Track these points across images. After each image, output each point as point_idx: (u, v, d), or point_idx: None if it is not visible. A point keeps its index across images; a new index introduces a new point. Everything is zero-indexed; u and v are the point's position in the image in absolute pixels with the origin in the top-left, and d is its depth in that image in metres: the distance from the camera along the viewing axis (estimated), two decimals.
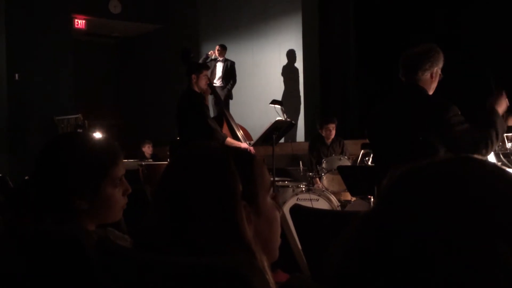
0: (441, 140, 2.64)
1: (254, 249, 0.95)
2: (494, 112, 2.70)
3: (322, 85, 8.85)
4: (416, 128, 2.69)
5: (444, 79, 2.86)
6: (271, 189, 1.06)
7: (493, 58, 6.64)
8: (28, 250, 1.41)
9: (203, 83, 5.06)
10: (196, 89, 5.04)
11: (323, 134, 6.21)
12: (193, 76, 5.01)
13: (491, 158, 3.26)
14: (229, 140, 5.08)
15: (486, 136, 2.63)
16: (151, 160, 8.73)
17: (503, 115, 2.73)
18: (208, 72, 5.35)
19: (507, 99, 2.78)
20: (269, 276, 0.94)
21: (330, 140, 6.20)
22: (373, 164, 5.07)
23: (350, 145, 6.81)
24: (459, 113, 2.67)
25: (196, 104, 4.98)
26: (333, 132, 6.19)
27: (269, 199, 1.05)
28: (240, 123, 5.88)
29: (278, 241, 1.06)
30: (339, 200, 5.43)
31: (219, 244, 0.93)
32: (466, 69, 6.35)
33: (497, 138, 2.66)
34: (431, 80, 2.79)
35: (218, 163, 1.00)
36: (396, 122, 2.79)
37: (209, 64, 7.86)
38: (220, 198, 0.97)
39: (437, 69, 2.79)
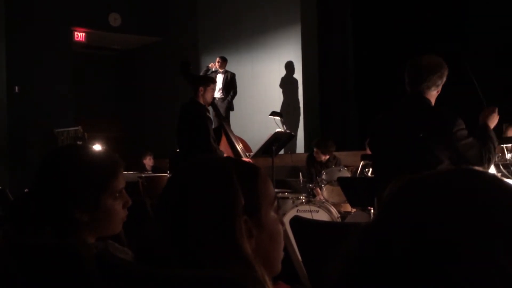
0: (445, 153, 2.65)
1: (253, 263, 0.95)
2: (488, 128, 2.80)
3: (321, 96, 8.87)
4: (419, 139, 2.69)
5: (446, 84, 2.87)
6: (275, 203, 1.06)
7: (494, 68, 6.67)
8: (27, 263, 1.40)
9: (209, 96, 5.08)
10: (201, 101, 5.04)
11: (317, 155, 6.14)
12: (201, 88, 5.01)
13: (491, 168, 3.26)
14: None
15: (488, 150, 2.70)
16: (151, 172, 8.71)
17: (505, 127, 2.79)
18: (215, 86, 5.36)
19: (497, 115, 2.87)
20: None
21: (322, 160, 6.14)
22: (373, 175, 5.07)
23: (349, 156, 6.81)
24: (464, 126, 2.69)
25: (200, 116, 4.98)
26: (324, 158, 6.11)
27: (272, 213, 1.04)
28: (239, 135, 5.88)
29: (280, 255, 1.06)
30: (339, 212, 5.42)
31: (218, 259, 0.93)
32: (467, 74, 6.36)
33: (494, 151, 2.75)
34: (435, 93, 2.81)
35: (220, 177, 1.00)
36: (400, 132, 2.79)
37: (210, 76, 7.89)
38: (220, 213, 0.96)
39: (441, 82, 2.81)
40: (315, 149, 6.11)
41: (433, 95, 2.80)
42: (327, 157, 6.08)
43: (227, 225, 0.96)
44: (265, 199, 1.02)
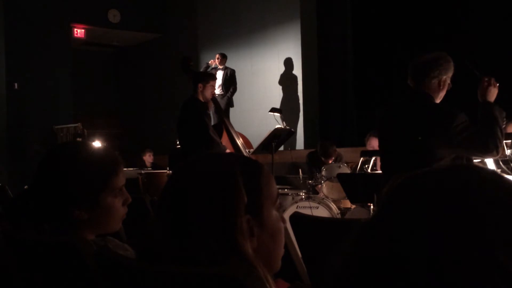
0: (450, 148, 2.63)
1: (254, 262, 0.94)
2: (489, 106, 2.68)
3: (320, 93, 8.87)
4: (421, 135, 2.68)
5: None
6: (277, 201, 1.05)
7: (493, 60, 6.66)
8: (27, 260, 1.40)
9: (208, 92, 5.07)
10: (201, 98, 5.04)
11: (323, 159, 6.15)
12: (200, 85, 5.01)
13: (491, 164, 3.26)
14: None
15: (493, 135, 2.60)
16: (150, 168, 8.72)
17: (504, 124, 2.72)
18: (215, 82, 5.35)
19: (494, 85, 2.75)
20: (271, 287, 0.93)
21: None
22: (373, 172, 5.07)
23: (349, 152, 6.81)
24: (466, 119, 2.65)
25: (199, 113, 4.98)
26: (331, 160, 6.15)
27: (274, 211, 1.03)
28: (239, 131, 5.88)
29: (281, 252, 1.05)
30: (339, 208, 5.42)
31: (218, 258, 0.92)
32: (467, 71, 6.34)
33: (502, 134, 2.63)
34: (439, 88, 2.78)
35: (223, 175, 0.99)
36: (401, 128, 2.78)
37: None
38: (222, 212, 0.95)
39: (446, 77, 2.78)
40: (322, 158, 6.11)
41: (436, 89, 2.78)
42: (333, 158, 6.11)
43: (228, 224, 0.95)
44: (268, 197, 1.01)
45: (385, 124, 2.92)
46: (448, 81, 2.80)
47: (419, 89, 2.77)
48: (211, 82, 5.12)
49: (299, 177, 6.30)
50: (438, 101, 2.81)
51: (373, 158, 5.06)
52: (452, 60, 2.81)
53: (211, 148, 4.89)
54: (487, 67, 6.74)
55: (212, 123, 5.83)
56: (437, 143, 2.64)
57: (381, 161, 3.11)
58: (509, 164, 3.29)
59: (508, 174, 3.17)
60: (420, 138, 2.65)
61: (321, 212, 5.19)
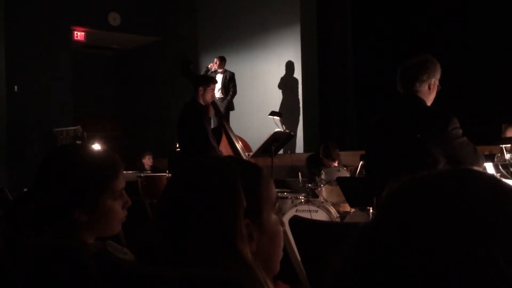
0: (441, 152, 2.65)
1: (253, 266, 0.94)
2: None
3: (320, 96, 8.87)
4: (416, 139, 2.69)
5: (446, 84, 2.87)
6: (277, 204, 1.04)
7: (493, 63, 6.68)
8: (26, 262, 1.40)
9: (209, 96, 5.08)
10: (201, 101, 5.05)
11: (324, 163, 6.14)
12: (200, 88, 5.02)
13: (490, 169, 3.26)
14: None
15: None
16: (150, 171, 8.71)
17: (504, 128, 2.76)
18: (215, 86, 5.36)
19: None
20: None
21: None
22: (367, 175, 5.07)
23: (348, 156, 6.81)
24: (459, 125, 2.68)
25: (199, 116, 4.98)
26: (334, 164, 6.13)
27: (273, 215, 1.03)
28: (239, 135, 5.88)
29: (280, 256, 1.05)
30: (338, 212, 5.41)
31: (217, 262, 0.92)
32: (466, 74, 6.35)
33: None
34: (429, 91, 2.80)
35: (223, 179, 0.98)
36: (396, 133, 2.79)
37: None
38: (221, 216, 0.95)
39: (435, 80, 2.80)
40: (325, 160, 6.10)
41: (426, 93, 2.80)
42: (336, 162, 6.08)
43: (228, 228, 0.95)
44: (267, 201, 1.01)
45: (383, 128, 2.93)
46: (437, 83, 2.82)
47: (411, 94, 2.79)
48: (212, 86, 5.13)
49: (299, 181, 6.30)
50: (429, 103, 2.83)
51: None
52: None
53: (208, 152, 4.89)
54: (486, 67, 6.74)
55: (212, 126, 5.84)
56: (433, 145, 2.65)
57: (376, 164, 3.11)
58: (509, 169, 3.29)
59: (507, 178, 3.17)
60: (418, 135, 2.67)
61: (320, 215, 5.18)
